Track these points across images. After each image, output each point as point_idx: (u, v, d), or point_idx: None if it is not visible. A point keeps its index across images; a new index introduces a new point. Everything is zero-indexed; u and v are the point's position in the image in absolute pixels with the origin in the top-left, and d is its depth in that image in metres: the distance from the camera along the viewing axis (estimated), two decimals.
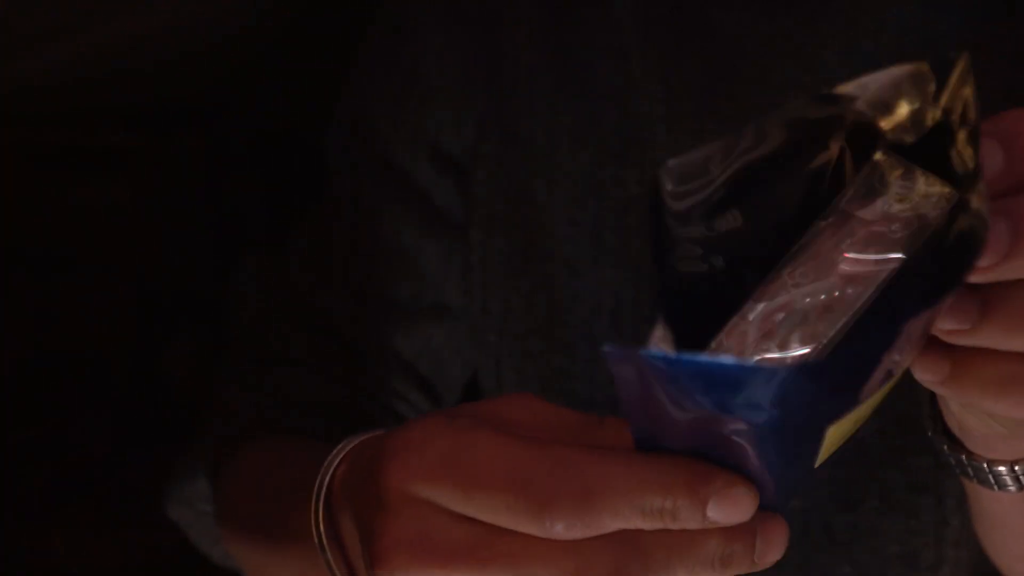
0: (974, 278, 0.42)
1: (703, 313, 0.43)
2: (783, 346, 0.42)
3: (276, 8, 0.92)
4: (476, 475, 0.45)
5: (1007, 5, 0.70)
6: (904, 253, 0.43)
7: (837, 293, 0.42)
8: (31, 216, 0.95)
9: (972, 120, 0.42)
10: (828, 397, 0.41)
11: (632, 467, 0.44)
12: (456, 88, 0.77)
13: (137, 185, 0.97)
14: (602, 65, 0.74)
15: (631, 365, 0.41)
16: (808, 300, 0.42)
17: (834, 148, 0.44)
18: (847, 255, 0.43)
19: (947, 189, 0.43)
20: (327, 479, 0.54)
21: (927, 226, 0.42)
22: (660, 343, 0.41)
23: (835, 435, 0.43)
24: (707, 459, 0.44)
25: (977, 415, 0.49)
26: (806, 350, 0.42)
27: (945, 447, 0.53)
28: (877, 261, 0.42)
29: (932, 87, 0.42)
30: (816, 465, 0.44)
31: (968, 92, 0.42)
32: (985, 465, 0.51)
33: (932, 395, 0.53)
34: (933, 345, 0.44)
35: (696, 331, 0.43)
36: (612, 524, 0.44)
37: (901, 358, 0.42)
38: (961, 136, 0.42)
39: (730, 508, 0.43)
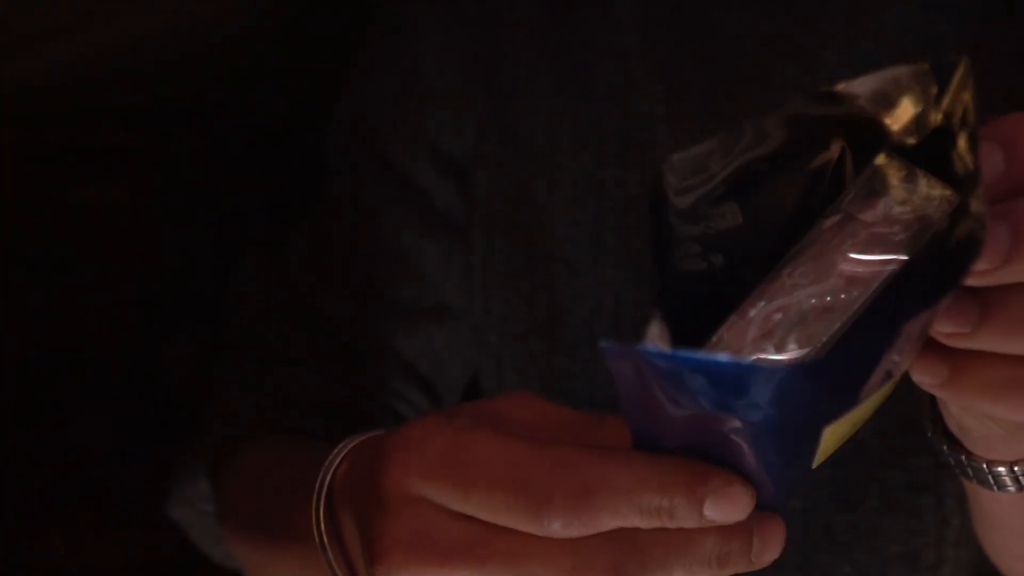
0: (974, 281, 0.42)
1: (701, 311, 0.44)
2: (781, 346, 0.42)
3: (276, 8, 0.92)
4: (475, 474, 0.45)
5: (1007, 5, 0.70)
6: (905, 255, 0.43)
7: (836, 294, 0.42)
8: (31, 216, 0.94)
9: (972, 123, 0.42)
10: (825, 397, 0.41)
11: (630, 466, 0.44)
12: (456, 88, 0.77)
13: (137, 185, 0.97)
14: (602, 65, 0.74)
15: (629, 362, 0.41)
16: (807, 301, 0.42)
17: (835, 148, 0.45)
18: (847, 256, 0.43)
19: (948, 192, 0.43)
20: (328, 479, 0.54)
21: (928, 228, 0.42)
22: (656, 340, 0.41)
23: (833, 436, 0.43)
24: (705, 458, 0.44)
25: (976, 416, 0.49)
26: (804, 351, 0.42)
27: (945, 448, 0.53)
28: (877, 262, 0.42)
29: (934, 89, 0.42)
30: (814, 466, 0.44)
31: (968, 96, 0.42)
32: (984, 466, 0.52)
33: (932, 396, 0.53)
34: (931, 348, 0.44)
35: (694, 329, 0.43)
36: (610, 523, 0.44)
37: (900, 359, 0.42)
38: (962, 139, 0.42)
39: (727, 507, 0.44)
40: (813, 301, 0.42)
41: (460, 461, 0.45)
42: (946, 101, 0.42)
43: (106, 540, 0.94)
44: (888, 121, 0.43)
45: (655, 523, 0.44)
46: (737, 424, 0.41)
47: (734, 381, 0.39)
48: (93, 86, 0.90)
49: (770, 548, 0.45)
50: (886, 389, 0.43)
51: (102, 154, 0.96)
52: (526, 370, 0.76)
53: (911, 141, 0.43)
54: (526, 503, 0.44)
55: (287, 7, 0.92)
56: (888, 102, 0.43)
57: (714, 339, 0.43)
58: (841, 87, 0.43)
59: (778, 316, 0.42)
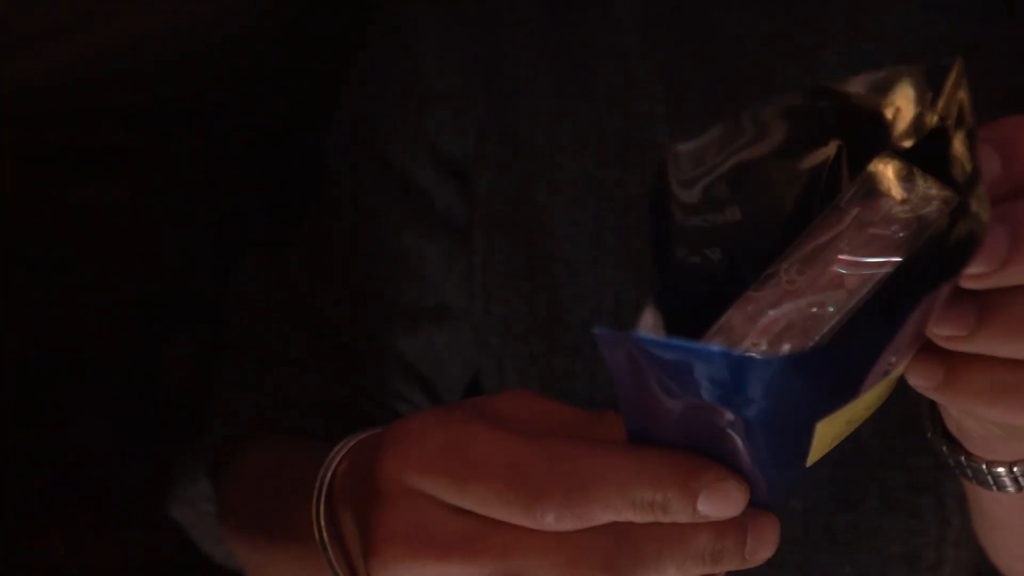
0: (972, 284, 0.42)
1: (698, 306, 0.44)
2: (775, 343, 0.42)
3: (276, 8, 0.92)
4: (471, 467, 0.45)
5: (1007, 5, 0.70)
6: (903, 254, 0.43)
7: (833, 292, 0.42)
8: (31, 216, 0.95)
9: (969, 123, 0.42)
10: (818, 392, 0.41)
11: (624, 459, 0.44)
12: (456, 89, 0.77)
13: (137, 185, 0.97)
14: (602, 65, 0.74)
15: (622, 350, 0.41)
16: (803, 298, 0.42)
17: (832, 145, 0.45)
18: (845, 254, 0.43)
19: (947, 192, 0.43)
20: (328, 477, 0.54)
21: (926, 228, 0.42)
22: (650, 329, 0.41)
23: (827, 434, 0.43)
24: (701, 454, 0.44)
25: (975, 418, 0.49)
26: (798, 347, 0.42)
27: (944, 448, 0.53)
28: (875, 261, 0.42)
29: (929, 92, 0.42)
30: (808, 464, 0.44)
31: (963, 95, 0.42)
32: (984, 466, 0.52)
33: None
34: (928, 351, 0.44)
35: (689, 323, 0.43)
36: (603, 516, 0.44)
37: (897, 358, 0.42)
38: (958, 140, 0.42)
39: (720, 502, 0.44)
40: (809, 298, 0.42)
41: (457, 455, 0.45)
42: (941, 103, 0.42)
43: (106, 540, 0.94)
44: (885, 121, 0.43)
45: (648, 517, 0.44)
46: (731, 417, 0.41)
47: (725, 371, 0.39)
48: (93, 86, 0.90)
49: (764, 546, 0.45)
50: (882, 389, 0.44)
51: (102, 154, 0.96)
52: (527, 370, 0.76)
53: (908, 143, 0.43)
54: (520, 496, 0.44)
55: (287, 7, 0.92)
56: (885, 103, 0.43)
57: (709, 334, 0.43)
58: (838, 85, 0.43)
59: (774, 312, 0.42)
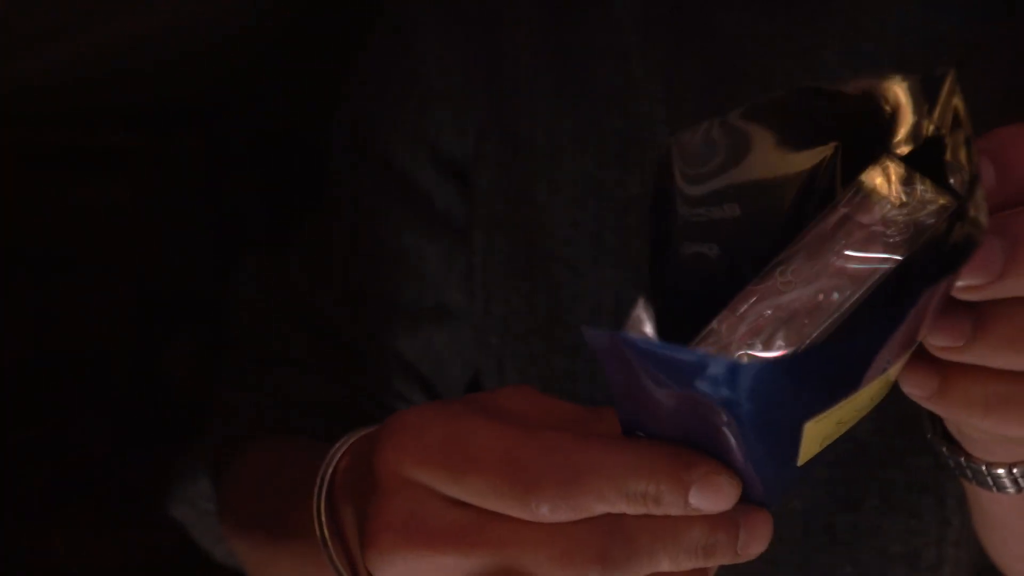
0: (968, 296, 0.42)
1: (695, 301, 0.44)
2: (769, 343, 0.42)
3: (276, 8, 0.92)
4: (467, 459, 0.45)
5: (1007, 5, 0.70)
6: (899, 256, 0.43)
7: (828, 294, 0.42)
8: (31, 216, 0.95)
9: (964, 127, 0.42)
10: (803, 394, 0.41)
11: (617, 452, 0.44)
12: (456, 89, 0.77)
13: (137, 185, 0.97)
14: (602, 66, 0.74)
15: (612, 348, 0.41)
16: (798, 299, 0.42)
17: (830, 146, 0.45)
18: (841, 256, 0.43)
19: (945, 196, 0.43)
20: (329, 473, 0.54)
21: (924, 232, 0.42)
22: (640, 325, 0.41)
23: (816, 434, 0.43)
24: (694, 449, 0.44)
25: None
26: (792, 348, 0.42)
27: (944, 449, 0.53)
28: (871, 263, 0.42)
29: (925, 101, 0.42)
30: (799, 463, 0.44)
31: (957, 102, 0.42)
32: (983, 467, 0.52)
33: None
34: (922, 359, 0.44)
35: (686, 318, 0.43)
36: (597, 507, 0.44)
37: (890, 360, 0.42)
38: (954, 146, 0.42)
39: (712, 495, 0.44)
40: (804, 299, 0.42)
41: (454, 447, 0.46)
42: (937, 112, 0.42)
43: (106, 540, 0.94)
44: (883, 126, 0.43)
45: (641, 509, 0.44)
46: (722, 415, 0.41)
47: (710, 374, 0.39)
48: (93, 86, 0.90)
49: (756, 541, 0.45)
50: (875, 391, 0.44)
51: (102, 154, 0.96)
52: (527, 370, 0.76)
53: (906, 149, 0.44)
54: (515, 488, 0.44)
55: (287, 7, 0.92)
56: (882, 108, 0.43)
57: (704, 333, 0.43)
58: (835, 86, 0.43)
59: (768, 312, 0.42)
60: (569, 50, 0.75)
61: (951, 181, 0.42)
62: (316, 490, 0.54)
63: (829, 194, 0.44)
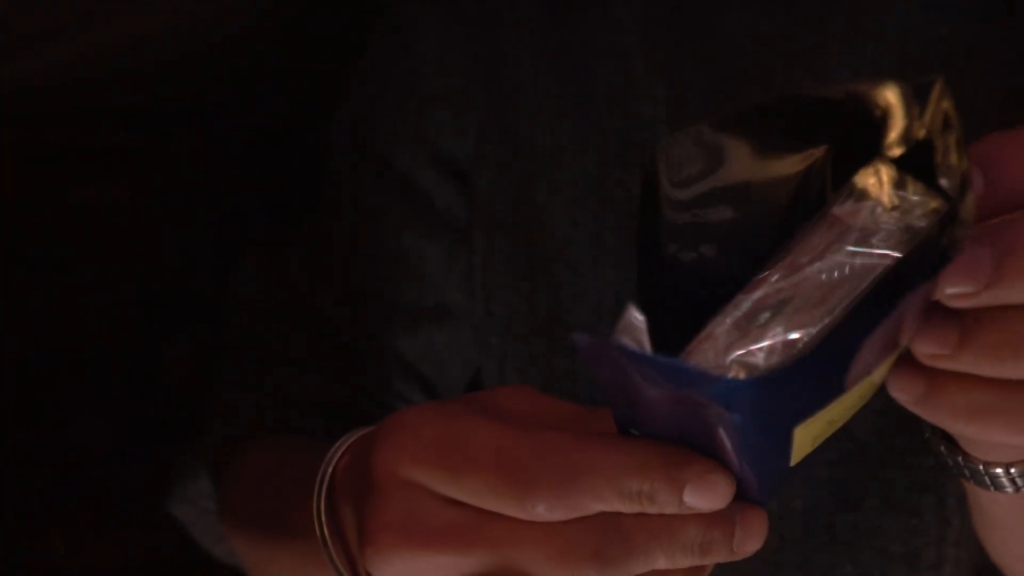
0: (957, 304, 0.42)
1: (692, 303, 0.44)
2: (761, 350, 0.42)
3: (276, 8, 0.92)
4: (464, 458, 0.46)
5: (1007, 5, 0.70)
6: (892, 260, 0.43)
7: (820, 298, 0.42)
8: (31, 216, 0.95)
9: (955, 128, 0.42)
10: (792, 403, 0.42)
11: (613, 450, 0.45)
12: (456, 89, 0.77)
13: (137, 185, 0.97)
14: (603, 66, 0.74)
15: (604, 351, 0.42)
16: (790, 304, 0.42)
17: (822, 148, 0.45)
18: (833, 260, 0.43)
19: (937, 199, 0.43)
20: (329, 472, 0.55)
21: (916, 234, 0.42)
22: (630, 330, 0.41)
23: (807, 435, 0.43)
24: (690, 448, 0.45)
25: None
26: (787, 354, 0.42)
27: (942, 449, 0.53)
28: (864, 268, 0.42)
29: (916, 105, 0.43)
30: (792, 464, 0.44)
31: (947, 104, 0.42)
32: (981, 467, 0.52)
33: None
34: (909, 364, 0.45)
35: (677, 321, 0.43)
36: (593, 506, 0.45)
37: (873, 361, 0.42)
38: (944, 148, 0.42)
39: (706, 494, 0.44)
40: (797, 304, 0.42)
41: (451, 446, 0.46)
42: (928, 115, 0.43)
43: (106, 540, 0.94)
44: (874, 129, 0.43)
45: (636, 508, 0.45)
46: (714, 416, 0.41)
47: (698, 386, 0.40)
48: (93, 86, 0.90)
49: (752, 539, 0.46)
50: (864, 391, 0.44)
51: (102, 154, 0.96)
52: (527, 371, 0.76)
53: (897, 152, 0.44)
54: (510, 486, 0.45)
55: (287, 7, 0.92)
56: (874, 112, 0.43)
57: (697, 340, 0.43)
58: (825, 90, 0.44)
59: (761, 318, 0.42)
60: (569, 50, 0.75)
61: (942, 183, 0.42)
62: (316, 489, 0.54)
63: (820, 197, 0.44)
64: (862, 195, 0.43)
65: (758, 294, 0.42)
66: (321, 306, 0.79)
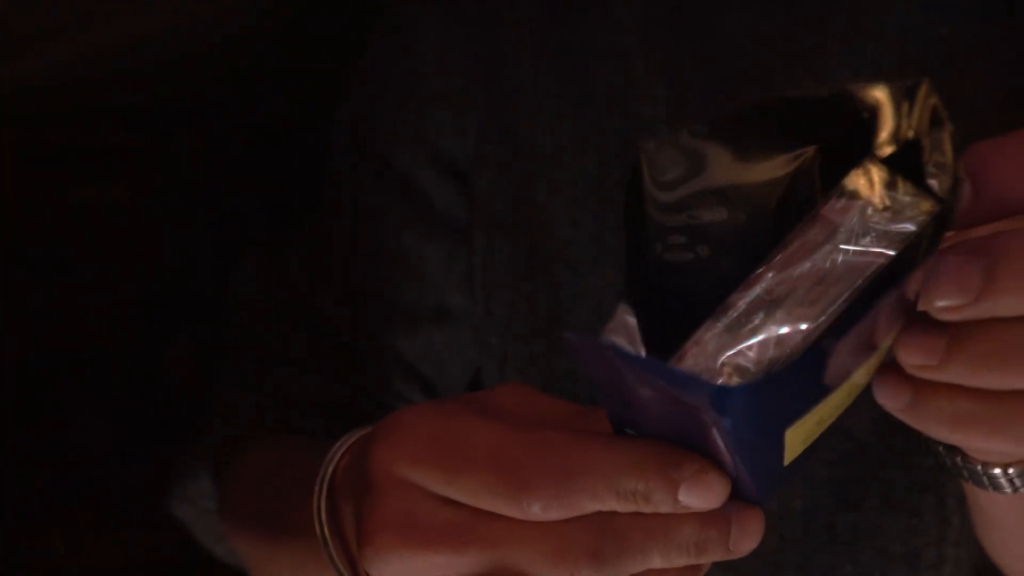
0: (946, 316, 0.43)
1: (686, 303, 0.44)
2: (753, 349, 0.42)
3: (276, 8, 0.92)
4: (460, 458, 0.46)
5: (1007, 5, 0.70)
6: (884, 261, 0.43)
7: (812, 301, 0.42)
8: (31, 216, 0.95)
9: (946, 126, 0.42)
10: (780, 407, 0.42)
11: (608, 450, 0.45)
12: (456, 89, 0.77)
13: (137, 185, 0.97)
14: (603, 66, 0.74)
15: (597, 352, 0.42)
16: (782, 307, 0.42)
17: (811, 149, 0.45)
18: (825, 262, 0.43)
19: (929, 200, 0.43)
20: (329, 471, 0.55)
21: (908, 236, 0.42)
22: (621, 331, 0.42)
23: (798, 435, 0.44)
24: (686, 448, 0.45)
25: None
26: (781, 354, 0.42)
27: (941, 449, 0.53)
28: (856, 269, 0.42)
29: (906, 103, 0.43)
30: (785, 463, 0.45)
31: (935, 104, 0.42)
32: (979, 467, 0.52)
33: None
34: (896, 372, 0.45)
35: (669, 320, 0.43)
36: (588, 505, 0.45)
37: (851, 366, 0.43)
38: (932, 147, 0.42)
39: (701, 493, 0.44)
40: (788, 307, 0.42)
41: (447, 445, 0.46)
42: (916, 115, 0.43)
43: (106, 540, 0.94)
44: (864, 130, 0.44)
45: (631, 507, 0.45)
46: (708, 417, 0.41)
47: (688, 392, 0.40)
48: (93, 86, 0.90)
49: (748, 537, 0.46)
50: (851, 389, 0.44)
51: (102, 154, 0.96)
52: (527, 371, 0.76)
53: (887, 151, 0.44)
54: (506, 485, 0.45)
55: (287, 7, 0.92)
56: (863, 112, 0.43)
57: (688, 343, 0.43)
58: (813, 91, 0.44)
59: (753, 322, 0.42)
60: (569, 50, 0.75)
61: (931, 184, 0.42)
62: (317, 489, 0.54)
63: (809, 197, 0.45)
64: (853, 195, 0.43)
65: (750, 295, 0.43)
66: (321, 306, 0.79)
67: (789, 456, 0.44)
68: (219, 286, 0.87)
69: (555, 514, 0.45)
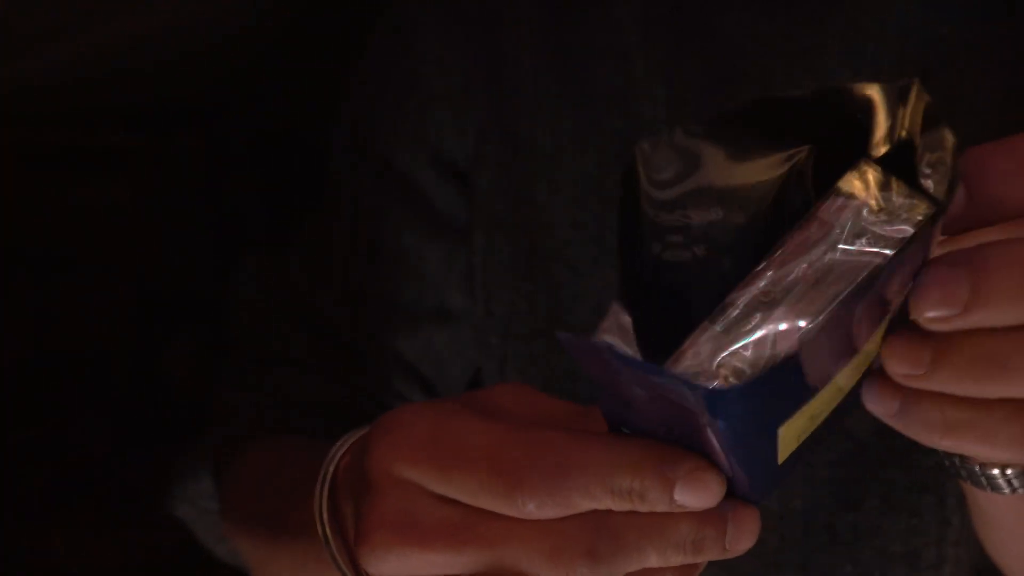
0: (935, 327, 0.43)
1: (682, 302, 0.44)
2: (749, 349, 0.42)
3: (276, 8, 0.92)
4: (456, 456, 0.46)
5: (1007, 5, 0.70)
6: (879, 262, 0.43)
7: (807, 302, 0.42)
8: (31, 216, 0.94)
9: (939, 128, 0.42)
10: (771, 405, 0.42)
11: (603, 448, 0.45)
12: (456, 90, 0.77)
13: (137, 185, 0.97)
14: (603, 66, 0.74)
15: (592, 351, 0.42)
16: (777, 309, 0.42)
17: (805, 149, 0.45)
18: (820, 264, 0.43)
19: (924, 202, 0.43)
20: (331, 470, 0.55)
21: (903, 237, 0.42)
22: (614, 330, 0.42)
23: (791, 433, 0.44)
24: (681, 447, 0.45)
25: None
26: (772, 356, 0.42)
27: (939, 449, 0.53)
28: (851, 271, 0.42)
29: (896, 105, 0.43)
30: (780, 462, 0.45)
31: (927, 100, 0.43)
32: (978, 468, 0.52)
33: None
34: (884, 380, 0.45)
35: (663, 319, 0.44)
36: (583, 504, 0.45)
37: (832, 369, 0.43)
38: (925, 149, 0.42)
39: (697, 492, 0.44)
40: (783, 309, 0.42)
41: (443, 444, 0.46)
42: (908, 116, 0.43)
43: (106, 540, 0.94)
44: (858, 131, 0.44)
45: (627, 505, 0.45)
46: (702, 418, 0.42)
47: (681, 393, 0.40)
48: (93, 86, 0.90)
49: (744, 536, 0.46)
50: (840, 385, 0.45)
51: (102, 154, 0.96)
52: (528, 371, 0.76)
53: (881, 150, 0.44)
54: (500, 483, 0.45)
55: (287, 7, 0.92)
56: (854, 114, 0.43)
57: (683, 346, 0.44)
58: (806, 92, 0.44)
59: (754, 319, 0.42)
60: (569, 50, 0.75)
61: (925, 184, 0.42)
62: (318, 489, 0.55)
63: (804, 197, 0.45)
64: (849, 196, 0.43)
65: (746, 296, 0.43)
66: (321, 306, 0.79)
67: (784, 453, 0.44)
68: (219, 286, 0.87)
69: (550, 512, 0.45)
